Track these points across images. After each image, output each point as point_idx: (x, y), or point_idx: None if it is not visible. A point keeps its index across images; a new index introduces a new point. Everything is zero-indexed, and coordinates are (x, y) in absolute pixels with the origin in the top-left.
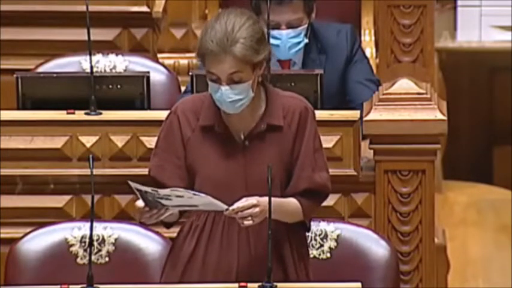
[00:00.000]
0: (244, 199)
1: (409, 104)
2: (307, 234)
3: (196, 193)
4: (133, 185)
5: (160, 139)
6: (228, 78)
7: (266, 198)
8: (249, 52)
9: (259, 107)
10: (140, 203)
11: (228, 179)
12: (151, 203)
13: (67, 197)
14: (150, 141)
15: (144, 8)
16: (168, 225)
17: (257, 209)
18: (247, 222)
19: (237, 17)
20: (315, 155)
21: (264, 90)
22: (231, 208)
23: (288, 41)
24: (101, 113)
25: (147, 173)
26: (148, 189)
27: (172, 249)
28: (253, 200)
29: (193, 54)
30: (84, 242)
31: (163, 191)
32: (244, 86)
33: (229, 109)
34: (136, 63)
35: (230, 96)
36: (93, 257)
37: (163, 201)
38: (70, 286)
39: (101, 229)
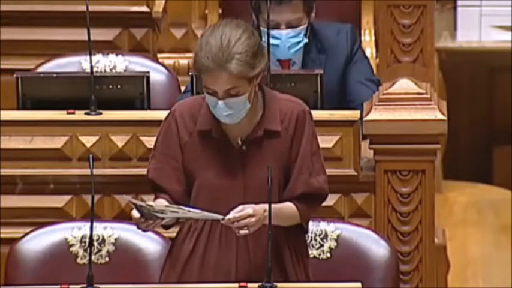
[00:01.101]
0: (240, 207)
1: (409, 104)
2: (306, 235)
3: (192, 209)
4: (128, 198)
5: (159, 142)
6: (225, 93)
7: (262, 207)
8: (245, 68)
9: (256, 112)
10: (136, 213)
11: (226, 184)
12: (146, 215)
13: (67, 197)
14: (150, 141)
15: (144, 8)
16: (166, 227)
17: (253, 219)
18: (243, 232)
19: (233, 30)
20: (312, 158)
21: (262, 95)
22: (227, 218)
23: (287, 40)
24: (101, 113)
25: (146, 174)
26: (143, 204)
27: (171, 250)
28: (249, 209)
29: (193, 54)
30: (84, 242)
31: (158, 207)
32: (241, 99)
33: (227, 121)
34: (136, 63)
35: (227, 110)
36: (93, 257)
37: (159, 215)
38: (70, 286)
39: (101, 229)
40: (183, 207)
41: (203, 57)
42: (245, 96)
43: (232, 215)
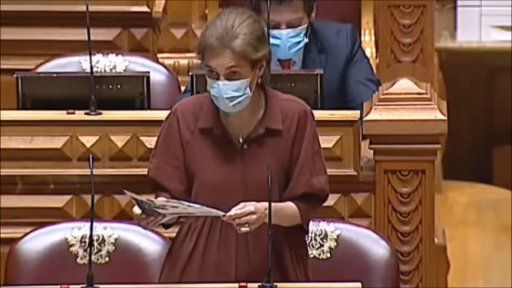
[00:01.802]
0: (241, 204)
1: (409, 104)
2: (306, 236)
3: (192, 204)
4: (129, 194)
5: (160, 141)
6: (226, 73)
7: (263, 204)
8: (248, 48)
9: (258, 110)
10: (137, 209)
11: (226, 182)
12: (147, 211)
13: (67, 197)
14: (150, 141)
15: (144, 8)
16: (166, 226)
17: (254, 216)
18: (244, 229)
19: (238, 15)
20: (314, 159)
21: (264, 94)
22: (228, 214)
23: (288, 40)
24: (101, 113)
25: (146, 173)
26: (144, 198)
27: (170, 250)
28: (250, 206)
29: (193, 54)
30: (84, 242)
31: (158, 202)
32: (242, 82)
33: (226, 107)
34: (136, 63)
35: (227, 92)
36: (93, 257)
37: (159, 210)
38: (70, 286)
39: (101, 229)
40: (184, 202)
41: (208, 36)
42: (246, 81)
43: (233, 211)
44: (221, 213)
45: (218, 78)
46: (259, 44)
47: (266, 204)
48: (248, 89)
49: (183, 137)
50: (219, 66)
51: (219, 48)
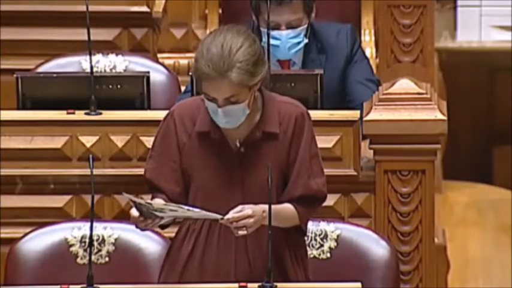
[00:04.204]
0: (239, 207)
1: (409, 104)
2: (304, 237)
3: (190, 208)
4: (127, 196)
5: (157, 142)
6: (225, 101)
7: (261, 207)
8: (246, 76)
9: (255, 114)
10: (135, 212)
11: (224, 186)
12: (145, 214)
13: (67, 197)
14: (150, 141)
15: (144, 8)
16: (163, 227)
17: (251, 220)
18: (242, 232)
19: (234, 37)
20: (311, 161)
21: (261, 97)
22: (225, 217)
23: (287, 41)
24: (101, 113)
25: (143, 173)
26: (142, 201)
27: (170, 251)
28: (248, 210)
29: (193, 54)
30: (84, 242)
31: (157, 205)
32: (241, 106)
33: (226, 127)
34: (136, 63)
35: (226, 117)
36: (93, 257)
37: (158, 213)
38: (70, 286)
39: (101, 229)
40: (182, 206)
41: (204, 65)
42: (244, 104)
43: (231, 215)
44: (219, 216)
45: (217, 104)
46: (256, 68)
47: (264, 207)
48: (246, 109)
49: (180, 139)
50: (217, 96)
51: (216, 78)
